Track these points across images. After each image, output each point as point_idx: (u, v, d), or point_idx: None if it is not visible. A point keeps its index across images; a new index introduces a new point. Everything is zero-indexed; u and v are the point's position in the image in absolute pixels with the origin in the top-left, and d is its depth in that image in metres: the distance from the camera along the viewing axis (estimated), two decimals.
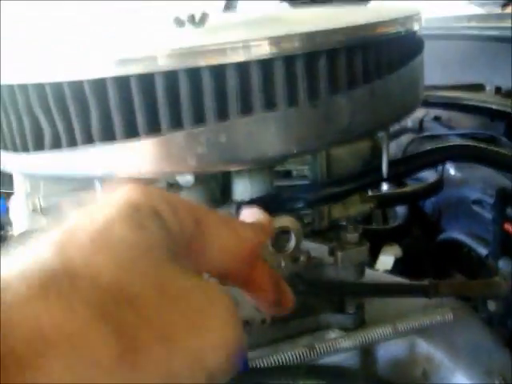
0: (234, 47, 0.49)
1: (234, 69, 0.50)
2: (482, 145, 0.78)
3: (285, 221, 0.60)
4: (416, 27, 0.62)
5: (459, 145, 0.80)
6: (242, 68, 0.50)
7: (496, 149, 0.78)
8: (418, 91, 0.66)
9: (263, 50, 0.50)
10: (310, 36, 0.51)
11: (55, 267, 0.25)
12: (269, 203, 0.62)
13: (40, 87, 0.53)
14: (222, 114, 0.51)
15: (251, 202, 0.62)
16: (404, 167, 0.66)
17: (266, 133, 0.52)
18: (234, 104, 0.51)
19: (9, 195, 0.93)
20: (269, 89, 0.51)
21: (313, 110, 0.52)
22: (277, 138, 0.52)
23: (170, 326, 0.26)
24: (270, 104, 0.52)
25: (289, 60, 0.51)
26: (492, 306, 0.79)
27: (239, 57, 0.49)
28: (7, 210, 0.87)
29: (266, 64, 0.51)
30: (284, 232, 0.62)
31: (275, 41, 0.50)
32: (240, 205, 0.61)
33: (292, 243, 0.63)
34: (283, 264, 0.63)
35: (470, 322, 0.87)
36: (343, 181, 0.68)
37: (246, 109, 0.51)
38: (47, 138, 0.56)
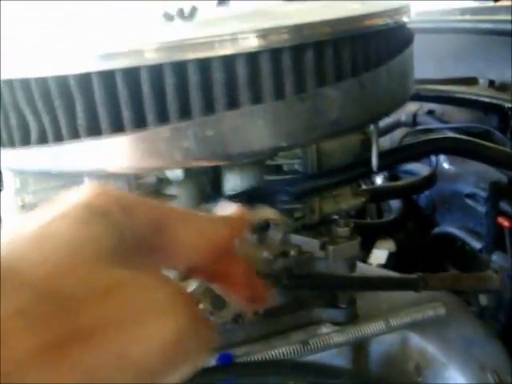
0: (219, 40, 0.49)
1: (220, 62, 0.50)
2: (473, 139, 0.77)
3: (266, 212, 0.59)
4: (405, 19, 0.62)
5: (447, 137, 0.80)
6: (228, 61, 0.50)
7: (486, 143, 0.78)
8: (408, 84, 0.66)
9: (249, 43, 0.49)
10: (296, 28, 0.51)
11: None
12: (253, 196, 0.62)
13: (25, 82, 0.53)
14: (209, 107, 0.51)
15: (236, 196, 0.61)
16: (392, 159, 0.66)
17: (253, 126, 0.51)
18: (221, 97, 0.51)
19: None
20: (255, 82, 0.51)
21: (300, 103, 0.52)
22: (264, 132, 0.52)
23: (93, 322, 0.25)
24: (256, 97, 0.51)
25: (275, 53, 0.51)
26: (484, 299, 0.79)
27: (225, 50, 0.49)
28: None
29: (252, 57, 0.50)
30: (267, 224, 0.61)
31: (261, 34, 0.50)
32: (222, 199, 0.60)
33: (274, 234, 0.62)
34: (268, 256, 0.62)
35: (462, 316, 0.87)
36: (328, 174, 0.68)
37: (233, 102, 0.51)
38: (33, 133, 0.56)
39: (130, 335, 0.26)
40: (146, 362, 0.26)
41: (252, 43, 0.49)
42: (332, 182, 0.69)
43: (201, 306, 0.66)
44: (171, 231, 0.32)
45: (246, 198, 0.63)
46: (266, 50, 0.50)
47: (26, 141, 0.56)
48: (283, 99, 0.52)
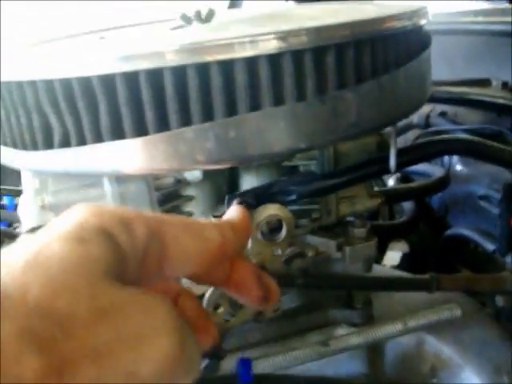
0: (241, 42, 0.49)
1: (243, 64, 0.50)
2: (484, 140, 0.77)
3: (272, 209, 0.59)
4: (423, 22, 0.62)
5: (460, 138, 0.80)
6: (251, 63, 0.50)
7: (496, 144, 0.78)
8: (426, 86, 0.66)
9: (271, 45, 0.50)
10: (317, 30, 0.51)
11: None
12: (260, 196, 0.62)
13: (49, 83, 0.53)
14: (231, 109, 0.51)
15: (242, 195, 0.61)
16: (399, 159, 0.66)
17: (274, 128, 0.52)
18: (243, 99, 0.51)
19: (16, 192, 0.94)
20: (277, 84, 0.51)
21: (321, 104, 0.52)
22: (285, 133, 0.52)
23: (99, 342, 0.26)
24: (278, 99, 0.52)
25: (297, 55, 0.51)
26: (500, 301, 0.78)
27: (247, 52, 0.49)
28: (15, 207, 0.87)
29: (274, 59, 0.50)
30: (277, 224, 0.61)
31: (283, 36, 0.50)
32: (231, 198, 0.61)
33: (283, 232, 0.62)
34: (278, 252, 0.62)
35: (477, 317, 0.87)
36: (339, 173, 0.68)
37: (255, 104, 0.51)
38: (57, 135, 0.56)
39: (135, 353, 0.26)
40: (154, 378, 0.27)
41: (273, 45, 0.50)
42: (343, 181, 0.69)
43: (221, 309, 0.66)
44: (171, 239, 0.33)
45: (255, 196, 0.63)
46: (288, 52, 0.50)
47: (49, 143, 0.57)
48: (304, 101, 0.52)
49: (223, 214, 0.65)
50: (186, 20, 0.72)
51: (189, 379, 0.30)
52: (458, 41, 1.33)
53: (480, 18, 1.23)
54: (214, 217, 0.70)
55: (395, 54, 0.58)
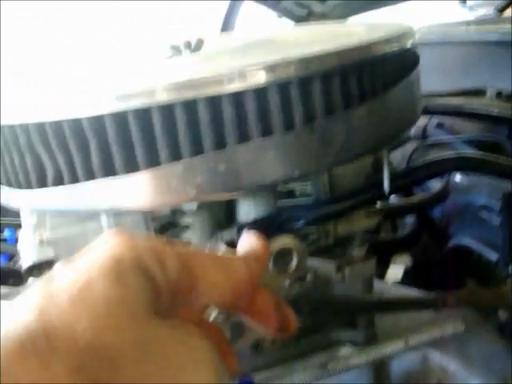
0: (229, 77, 0.50)
1: (230, 98, 0.50)
2: (482, 153, 0.77)
3: (285, 240, 0.60)
4: (409, 44, 0.62)
5: (458, 157, 0.80)
6: (237, 97, 0.51)
7: (495, 157, 0.78)
8: (416, 106, 0.66)
9: (259, 79, 0.50)
10: (303, 61, 0.51)
11: (35, 330, 0.26)
12: (270, 224, 0.62)
13: (40, 126, 0.54)
14: (220, 142, 0.52)
15: (252, 224, 0.62)
16: (403, 181, 0.67)
17: (264, 159, 0.52)
18: (231, 133, 0.51)
19: (17, 225, 0.94)
20: (265, 116, 0.52)
21: (309, 133, 0.53)
22: (275, 164, 0.53)
23: (145, 376, 0.27)
24: (266, 130, 0.52)
25: (283, 86, 0.51)
26: (503, 314, 0.78)
27: (235, 86, 0.50)
28: (16, 240, 0.88)
29: (261, 92, 0.51)
30: (285, 252, 0.61)
31: (270, 68, 0.50)
32: (241, 227, 0.61)
33: (294, 263, 0.62)
34: (287, 284, 0.62)
35: (481, 331, 0.87)
36: (343, 198, 0.69)
37: (244, 137, 0.52)
38: (49, 174, 0.57)
39: None
40: None
41: (260, 78, 0.50)
42: (348, 206, 0.70)
43: None
44: (200, 272, 0.33)
45: (264, 225, 0.64)
46: (275, 84, 0.51)
47: (42, 182, 0.58)
48: (292, 131, 0.52)
49: (227, 240, 0.65)
50: (176, 50, 0.72)
51: None
52: (452, 51, 1.33)
53: (472, 28, 1.24)
54: (227, 244, 0.70)
55: (383, 78, 0.59)
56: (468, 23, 1.27)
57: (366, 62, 0.56)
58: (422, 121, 1.33)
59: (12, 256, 0.96)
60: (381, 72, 0.58)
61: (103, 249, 0.30)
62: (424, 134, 1.33)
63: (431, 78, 1.32)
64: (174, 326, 0.30)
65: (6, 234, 0.97)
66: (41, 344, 0.25)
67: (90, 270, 0.29)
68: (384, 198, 0.72)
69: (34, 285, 0.29)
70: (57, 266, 0.30)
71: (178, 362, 0.28)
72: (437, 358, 0.84)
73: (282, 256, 0.62)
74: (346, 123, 0.55)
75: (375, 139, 0.59)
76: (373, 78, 0.58)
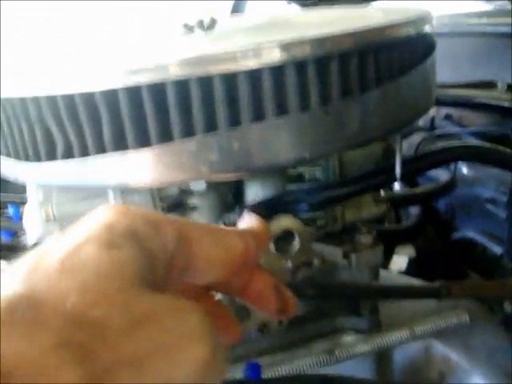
0: (244, 54, 0.49)
1: (245, 75, 0.50)
2: (488, 144, 0.77)
3: (287, 222, 0.58)
4: (427, 28, 0.62)
5: (463, 145, 0.79)
6: (254, 75, 0.50)
7: (500, 148, 0.78)
8: (431, 92, 0.66)
9: (274, 57, 0.49)
10: (321, 41, 0.51)
11: (20, 296, 0.25)
12: (273, 207, 0.62)
13: (52, 99, 0.53)
14: (234, 121, 0.51)
15: (255, 206, 0.61)
16: (412, 167, 0.66)
17: (278, 139, 0.51)
18: (246, 111, 0.51)
19: (20, 201, 0.94)
20: (280, 95, 0.51)
21: (325, 114, 0.52)
22: (289, 144, 0.52)
23: (137, 350, 0.26)
24: (281, 110, 0.51)
25: (300, 65, 0.51)
26: (508, 306, 0.78)
27: (250, 64, 0.49)
28: (21, 217, 0.87)
29: (277, 70, 0.50)
30: (288, 235, 0.60)
31: (286, 47, 0.50)
32: (243, 209, 0.60)
33: (296, 245, 0.61)
34: (289, 266, 0.62)
35: (485, 323, 0.87)
36: (348, 182, 0.68)
37: (258, 115, 0.51)
38: (59, 148, 0.56)
39: (171, 361, 0.26)
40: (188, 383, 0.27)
41: (276, 56, 0.49)
42: (353, 190, 0.69)
43: None
44: (196, 246, 0.33)
45: (267, 207, 0.63)
46: (291, 63, 0.50)
47: (51, 155, 0.57)
48: (308, 111, 0.52)
49: (234, 222, 0.65)
50: (189, 29, 0.72)
51: (217, 381, 0.30)
52: (463, 43, 1.32)
53: (484, 20, 1.23)
54: (225, 224, 0.70)
55: (400, 62, 0.58)
56: (480, 15, 1.26)
57: (384, 43, 0.55)
58: (431, 112, 1.32)
59: (15, 233, 0.95)
60: (398, 56, 0.58)
61: (96, 218, 0.30)
62: (432, 125, 1.32)
63: (442, 69, 1.31)
64: (170, 299, 0.29)
65: (10, 210, 0.96)
66: (25, 310, 0.24)
67: (81, 238, 0.28)
68: (387, 185, 0.71)
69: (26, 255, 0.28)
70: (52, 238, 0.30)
71: (170, 335, 0.27)
72: (439, 348, 0.84)
73: (285, 239, 0.61)
74: (362, 106, 0.54)
75: (390, 124, 0.58)
76: (390, 62, 0.57)
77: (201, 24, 0.72)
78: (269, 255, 0.62)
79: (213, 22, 0.73)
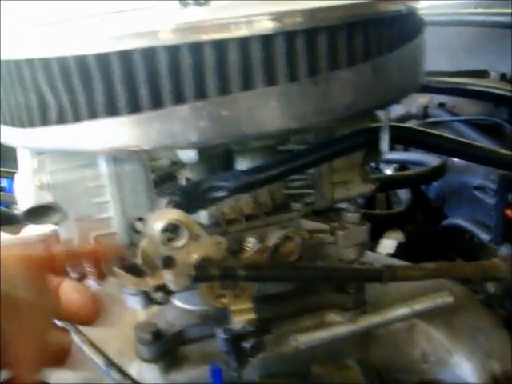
0: (235, 22, 0.50)
1: (236, 44, 0.51)
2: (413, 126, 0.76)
3: (171, 214, 0.58)
4: (416, 5, 0.63)
5: (396, 126, 0.77)
6: (244, 43, 0.51)
7: (427, 130, 0.78)
8: (419, 71, 0.67)
9: (264, 26, 0.51)
10: (310, 12, 0.52)
11: None
12: (190, 193, 0.61)
13: (46, 62, 0.54)
14: (224, 88, 0.52)
15: (171, 194, 0.61)
16: (326, 152, 0.66)
17: (266, 107, 0.53)
18: (236, 79, 0.52)
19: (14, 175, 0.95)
20: (270, 64, 0.52)
21: (313, 85, 0.53)
22: (277, 113, 0.53)
23: None
24: (271, 79, 0.53)
25: (290, 36, 0.52)
26: (491, 287, 0.79)
27: (241, 32, 0.50)
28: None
29: (267, 40, 0.51)
30: (175, 227, 0.59)
31: (276, 17, 0.51)
32: (159, 197, 0.60)
33: (184, 237, 0.60)
34: (179, 259, 0.60)
35: (469, 304, 0.88)
36: (265, 168, 0.66)
37: (248, 84, 0.52)
38: (53, 112, 0.57)
39: None
40: None
41: (267, 26, 0.51)
42: (272, 174, 0.66)
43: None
44: None
45: (186, 194, 0.62)
46: (281, 33, 0.51)
47: (45, 120, 0.58)
48: (296, 81, 0.53)
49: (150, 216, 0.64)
50: (184, 4, 0.72)
51: None
52: (459, 32, 1.34)
53: (480, 10, 1.24)
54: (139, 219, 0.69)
55: (388, 38, 0.59)
56: (476, 4, 1.27)
57: (372, 18, 0.56)
58: (424, 100, 1.34)
59: (9, 205, 0.96)
60: (386, 32, 0.59)
61: None
62: (425, 113, 1.34)
63: (439, 58, 1.33)
64: None
65: (4, 183, 0.97)
66: None
67: None
68: (311, 167, 0.70)
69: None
70: None
71: None
72: (423, 328, 0.85)
73: (174, 232, 0.59)
74: (350, 79, 0.55)
75: (376, 98, 0.59)
76: (378, 37, 0.58)
77: None
78: (159, 248, 0.60)
79: None
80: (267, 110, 0.53)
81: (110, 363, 0.71)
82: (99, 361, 0.72)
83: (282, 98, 0.53)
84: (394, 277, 0.69)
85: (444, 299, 0.83)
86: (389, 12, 0.57)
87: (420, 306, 0.81)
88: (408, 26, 0.63)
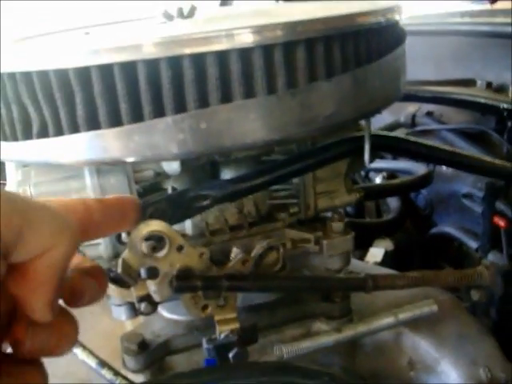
0: (214, 36, 0.51)
1: (214, 57, 0.51)
2: (394, 134, 0.76)
3: (155, 226, 0.58)
4: (395, 18, 0.63)
5: (376, 135, 0.78)
6: (222, 57, 0.52)
7: (408, 138, 0.78)
8: (400, 81, 0.67)
9: (243, 39, 0.51)
10: (288, 26, 0.52)
11: None
12: (175, 202, 0.61)
13: (28, 76, 0.55)
14: (203, 101, 0.53)
15: (156, 203, 0.61)
16: (310, 161, 0.67)
17: (245, 120, 0.53)
18: (214, 92, 0.52)
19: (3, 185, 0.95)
20: (248, 77, 0.53)
21: (291, 97, 0.54)
22: (256, 125, 0.54)
23: None
24: (249, 92, 0.53)
25: (268, 49, 0.52)
26: (475, 295, 0.80)
27: (219, 45, 0.51)
28: None
29: (245, 53, 0.52)
30: (158, 237, 0.59)
31: (255, 30, 0.51)
32: (144, 206, 0.60)
33: (166, 248, 0.60)
34: (161, 270, 0.60)
35: (455, 312, 0.89)
36: (249, 177, 0.66)
37: (226, 96, 0.53)
38: (35, 126, 0.58)
39: None
40: None
41: (245, 39, 0.51)
42: (257, 183, 0.66)
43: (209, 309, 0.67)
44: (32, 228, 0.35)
45: (171, 203, 0.62)
46: (259, 46, 0.52)
47: (27, 133, 0.58)
48: (275, 94, 0.53)
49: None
50: (168, 17, 0.73)
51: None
52: (446, 41, 1.35)
53: (466, 19, 1.25)
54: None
55: (366, 50, 0.60)
56: (462, 14, 1.28)
57: (350, 30, 0.57)
58: (412, 108, 1.35)
59: None
60: (365, 43, 0.59)
61: None
62: (413, 122, 1.35)
63: (425, 67, 1.34)
64: None
65: None
66: None
67: None
68: (295, 176, 0.71)
69: None
70: None
71: None
72: (409, 336, 0.86)
73: (159, 242, 0.60)
74: (328, 90, 0.56)
75: (357, 110, 0.60)
76: (357, 49, 0.59)
77: (180, 12, 0.74)
78: (141, 258, 0.61)
79: (192, 10, 0.75)
80: (246, 122, 0.53)
81: (102, 363, 0.72)
82: (91, 362, 0.72)
83: (261, 110, 0.53)
84: (376, 286, 0.69)
85: (429, 307, 0.84)
86: (366, 24, 0.58)
87: (405, 314, 0.82)
88: (387, 38, 0.64)
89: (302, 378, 0.55)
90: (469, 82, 1.19)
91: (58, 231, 0.36)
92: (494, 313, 0.90)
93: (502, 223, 1.06)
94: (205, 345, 0.68)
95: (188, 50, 0.51)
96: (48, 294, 0.36)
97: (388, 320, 0.81)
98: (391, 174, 1.34)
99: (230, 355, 0.66)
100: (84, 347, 0.73)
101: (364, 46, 0.59)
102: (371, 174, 1.41)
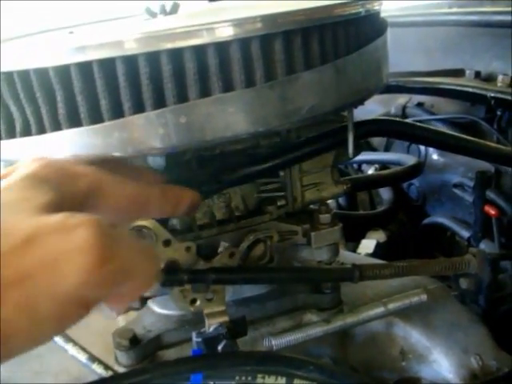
0: (191, 31, 0.51)
1: (191, 52, 0.52)
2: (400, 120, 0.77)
3: (141, 220, 0.58)
4: (375, 8, 0.64)
5: (384, 120, 0.79)
6: (199, 51, 0.52)
7: (414, 123, 0.79)
8: (381, 72, 0.68)
9: (219, 33, 0.51)
10: (264, 18, 0.53)
11: None
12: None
13: (9, 75, 0.55)
14: (182, 96, 0.53)
15: None
16: (312, 147, 0.67)
17: (224, 113, 0.53)
18: (193, 86, 0.53)
19: None
20: (226, 71, 0.53)
21: (269, 90, 0.54)
22: (236, 118, 0.54)
23: (22, 268, 0.30)
24: (227, 86, 0.54)
25: (245, 42, 0.53)
26: (463, 282, 0.80)
27: (196, 40, 0.51)
28: None
29: (222, 47, 0.52)
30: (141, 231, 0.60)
31: (231, 24, 0.52)
32: None
33: (152, 242, 0.60)
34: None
35: (445, 301, 0.89)
36: (235, 169, 0.67)
37: (205, 91, 0.53)
38: (18, 125, 0.58)
39: (57, 272, 0.30)
40: (75, 292, 0.31)
41: (221, 33, 0.52)
42: (236, 178, 0.68)
43: (197, 302, 0.67)
44: (105, 197, 0.41)
45: None
46: (236, 40, 0.52)
47: (11, 132, 0.59)
48: (253, 87, 0.54)
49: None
50: (151, 14, 0.74)
51: (132, 285, 0.35)
52: (435, 32, 1.35)
53: (454, 9, 1.25)
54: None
55: (346, 40, 0.60)
56: (450, 4, 1.28)
57: (327, 22, 0.57)
58: (402, 100, 1.35)
59: None
60: (344, 35, 0.60)
61: (21, 169, 0.37)
62: (404, 113, 1.35)
63: (415, 58, 1.34)
64: (57, 218, 0.33)
65: None
66: None
67: (5, 183, 0.35)
68: (283, 168, 0.72)
69: None
70: None
71: (55, 251, 0.31)
72: (400, 326, 0.87)
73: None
74: (307, 82, 0.56)
75: (337, 101, 0.60)
76: (335, 40, 0.59)
77: (163, 8, 0.74)
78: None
79: (175, 7, 0.75)
80: (226, 116, 0.54)
81: (92, 358, 0.73)
82: (81, 357, 0.73)
83: (240, 104, 0.54)
84: (363, 275, 0.70)
85: (418, 297, 0.84)
86: (344, 15, 0.58)
87: (394, 304, 0.83)
88: (367, 29, 0.64)
89: (286, 367, 0.56)
90: (458, 72, 1.19)
91: None
92: (483, 300, 0.91)
93: (492, 212, 1.06)
94: (194, 338, 0.68)
95: (165, 45, 0.51)
96: None
97: (377, 310, 0.82)
98: (384, 166, 1.34)
99: (219, 348, 0.67)
100: (75, 343, 0.74)
101: (343, 37, 0.59)
102: (364, 167, 1.42)
